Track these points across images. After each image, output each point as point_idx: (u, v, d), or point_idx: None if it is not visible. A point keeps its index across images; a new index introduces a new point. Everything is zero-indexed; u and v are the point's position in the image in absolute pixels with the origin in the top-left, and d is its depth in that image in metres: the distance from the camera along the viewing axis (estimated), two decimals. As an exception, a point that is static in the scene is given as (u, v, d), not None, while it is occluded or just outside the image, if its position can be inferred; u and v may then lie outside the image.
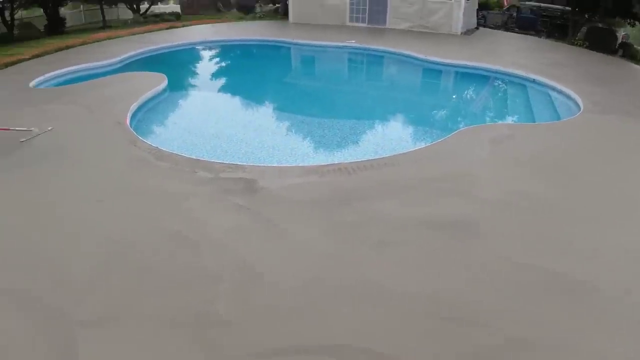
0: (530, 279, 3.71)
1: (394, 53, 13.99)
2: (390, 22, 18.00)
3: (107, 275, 3.79)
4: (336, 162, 6.07)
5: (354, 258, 3.92)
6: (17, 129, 6.83)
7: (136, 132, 7.06)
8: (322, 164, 6.02)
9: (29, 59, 13.24)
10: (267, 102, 10.69)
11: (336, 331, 3.18)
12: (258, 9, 25.04)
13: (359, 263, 3.86)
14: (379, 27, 18.25)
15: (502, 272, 3.79)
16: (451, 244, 4.20)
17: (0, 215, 4.87)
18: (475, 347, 3.00)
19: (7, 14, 17.35)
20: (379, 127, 8.65)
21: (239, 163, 6.06)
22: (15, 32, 17.64)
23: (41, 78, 10.51)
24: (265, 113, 9.87)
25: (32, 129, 6.91)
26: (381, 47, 14.58)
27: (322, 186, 5.19)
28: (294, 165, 6.23)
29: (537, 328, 3.18)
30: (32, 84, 9.86)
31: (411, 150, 6.82)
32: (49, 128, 7.03)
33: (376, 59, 14.62)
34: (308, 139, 7.88)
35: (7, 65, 12.47)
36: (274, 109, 10.19)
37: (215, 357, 2.92)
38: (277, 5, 24.30)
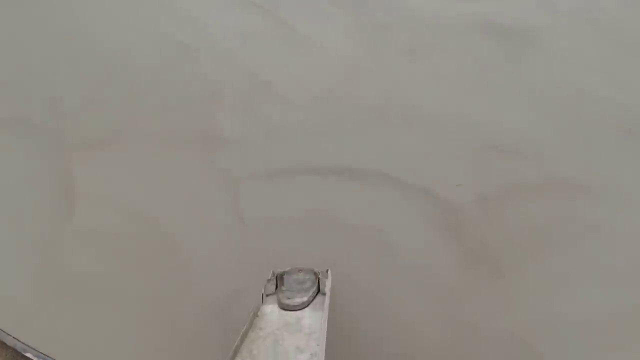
0: (603, 118, 2.89)
1: None
2: None
3: (98, 92, 3.36)
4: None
5: (380, 67, 3.24)
6: None
7: None
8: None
9: None
10: None
11: (348, 152, 2.81)
12: None
13: (385, 74, 3.20)
14: None
15: (567, 102, 2.93)
16: (505, 56, 3.27)
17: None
18: (515, 183, 2.58)
19: None
20: None
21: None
22: None
23: None
24: None
25: None
26: None
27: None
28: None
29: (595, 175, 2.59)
30: None
31: None
32: None
33: None
34: None
35: None
36: None
37: (219, 176, 2.75)
38: None
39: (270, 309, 1.44)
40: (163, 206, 2.62)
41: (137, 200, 2.68)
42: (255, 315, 1.33)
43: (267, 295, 1.45)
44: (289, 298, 1.42)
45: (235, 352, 1.12)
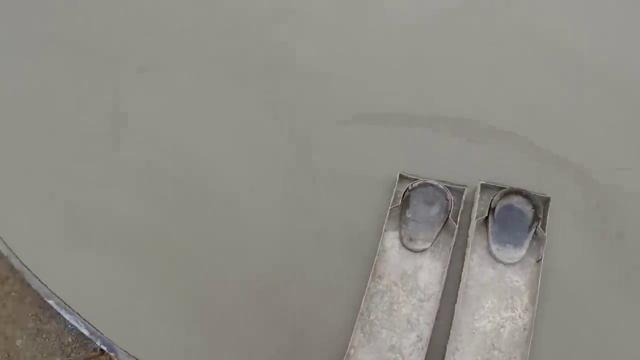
0: None
1: None
2: None
3: (149, 10, 2.37)
4: None
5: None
6: None
7: None
8: None
9: None
10: None
11: (470, 101, 1.70)
12: None
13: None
14: None
15: None
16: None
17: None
18: None
19: None
20: None
21: None
22: None
23: None
24: None
25: None
26: None
27: None
28: None
29: None
30: None
31: None
32: None
33: None
34: None
35: None
36: None
37: (288, 116, 1.86)
38: None
39: (392, 243, 1.40)
40: (217, 149, 1.90)
41: (188, 137, 1.99)
42: (379, 252, 1.37)
43: (390, 217, 1.39)
44: (411, 239, 1.36)
45: (363, 309, 1.32)
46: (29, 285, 2.17)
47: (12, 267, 2.28)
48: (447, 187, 1.32)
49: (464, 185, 1.33)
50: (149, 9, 2.34)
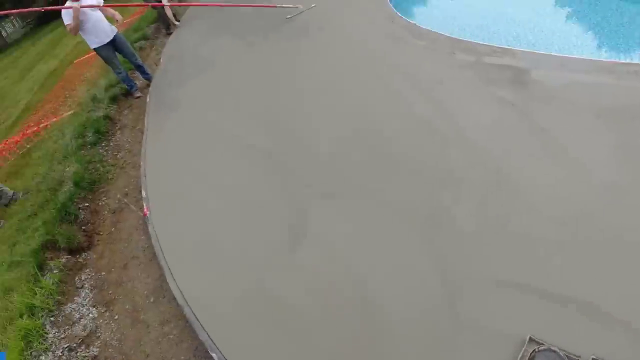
0: None
1: None
2: None
3: (346, 153, 3.61)
4: (641, 63, 4.27)
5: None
6: (283, 6, 6.96)
7: (395, 9, 6.45)
8: (621, 61, 4.35)
9: None
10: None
11: (598, 291, 2.27)
12: None
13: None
14: None
15: None
16: None
17: (264, 82, 5.01)
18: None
19: None
20: None
21: (509, 47, 4.86)
22: None
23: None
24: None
25: (298, 6, 7.03)
26: None
27: (618, 92, 3.72)
28: (580, 57, 4.20)
29: None
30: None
31: None
32: (313, 5, 7.03)
33: None
34: (603, 26, 5.80)
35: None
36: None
37: (441, 268, 2.52)
38: None
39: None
40: (378, 275, 2.63)
41: (354, 258, 2.81)
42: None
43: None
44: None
45: None
46: (191, 333, 2.69)
47: (179, 315, 2.86)
48: (566, 355, 1.58)
49: (578, 356, 1.58)
50: (343, 152, 3.52)
